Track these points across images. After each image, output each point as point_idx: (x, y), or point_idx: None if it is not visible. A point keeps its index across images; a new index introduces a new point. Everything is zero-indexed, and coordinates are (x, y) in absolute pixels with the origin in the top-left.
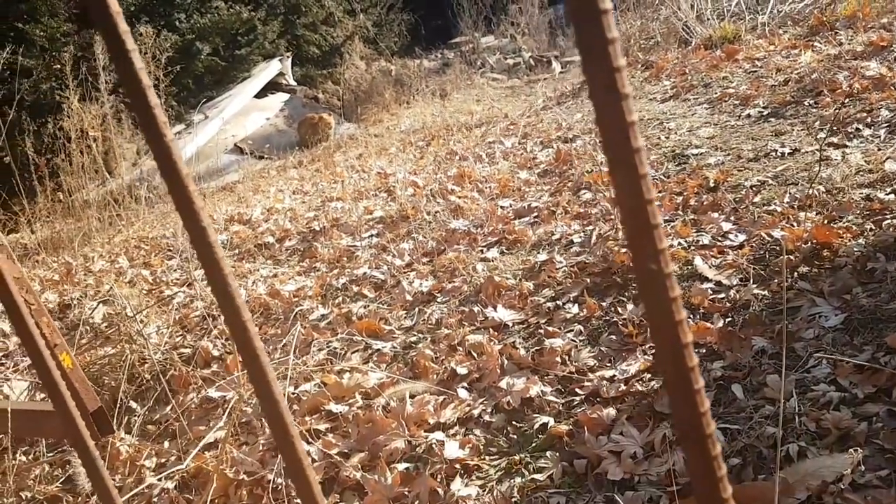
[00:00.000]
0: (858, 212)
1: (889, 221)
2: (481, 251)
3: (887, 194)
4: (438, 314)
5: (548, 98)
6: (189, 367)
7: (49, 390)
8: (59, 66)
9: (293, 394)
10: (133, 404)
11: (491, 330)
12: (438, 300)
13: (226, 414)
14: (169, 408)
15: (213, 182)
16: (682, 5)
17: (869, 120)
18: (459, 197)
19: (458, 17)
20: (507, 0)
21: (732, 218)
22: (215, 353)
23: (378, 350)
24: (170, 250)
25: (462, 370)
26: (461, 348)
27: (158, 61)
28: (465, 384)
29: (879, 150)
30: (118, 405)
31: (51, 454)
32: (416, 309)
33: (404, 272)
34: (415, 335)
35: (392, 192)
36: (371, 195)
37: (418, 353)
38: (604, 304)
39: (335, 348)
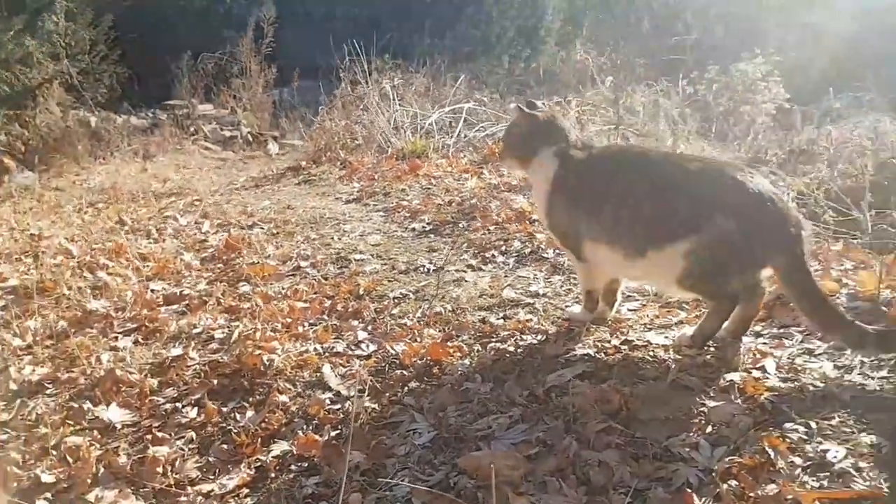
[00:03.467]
0: (473, 332)
1: (493, 344)
2: (115, 338)
3: (498, 318)
4: (42, 408)
5: (250, 178)
6: None
7: None
8: None
9: None
10: None
11: (96, 431)
12: (48, 392)
13: None
14: None
15: None
16: (380, 118)
17: (504, 248)
18: (110, 273)
19: (177, 80)
20: (230, 73)
21: (370, 328)
22: None
23: None
24: None
25: (48, 478)
26: (56, 451)
27: None
28: (48, 495)
29: (506, 276)
30: None
31: None
32: (19, 401)
33: (20, 355)
34: (6, 433)
35: (40, 258)
36: (14, 259)
37: (3, 456)
38: (224, 409)
39: None
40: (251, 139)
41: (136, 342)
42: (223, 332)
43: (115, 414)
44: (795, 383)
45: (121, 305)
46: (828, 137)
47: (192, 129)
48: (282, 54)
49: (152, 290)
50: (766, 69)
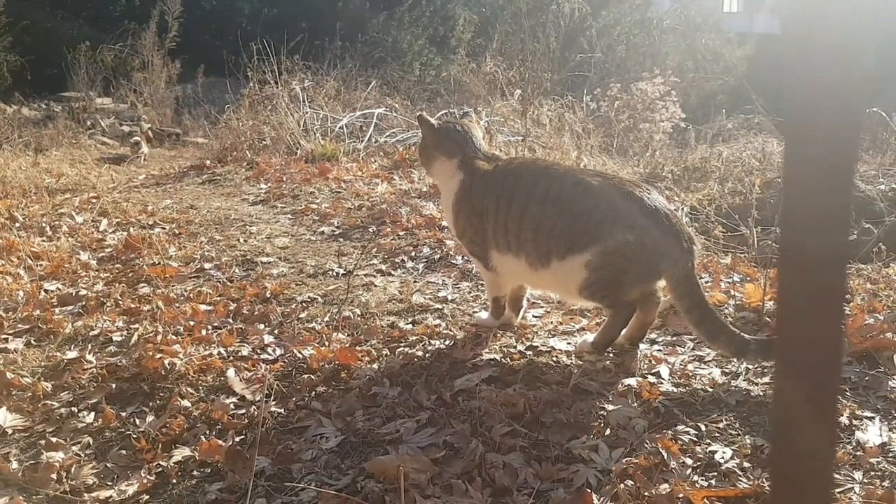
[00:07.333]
0: (381, 337)
1: (402, 349)
2: (5, 339)
3: (407, 323)
4: None
5: (151, 175)
6: None
7: None
8: None
9: None
10: None
11: None
12: None
13: None
14: None
15: None
16: (290, 119)
17: (413, 254)
18: (0, 272)
19: (73, 71)
20: (131, 67)
21: (276, 332)
22: None
23: None
24: None
25: None
26: None
27: None
28: None
29: (415, 282)
30: None
31: None
32: None
33: None
34: None
35: None
36: None
37: None
38: (123, 413)
39: None
40: (152, 135)
41: (28, 344)
42: (122, 335)
43: (5, 418)
44: (687, 388)
45: (12, 306)
46: (719, 157)
47: (88, 122)
48: (186, 50)
49: (46, 290)
50: (664, 89)
